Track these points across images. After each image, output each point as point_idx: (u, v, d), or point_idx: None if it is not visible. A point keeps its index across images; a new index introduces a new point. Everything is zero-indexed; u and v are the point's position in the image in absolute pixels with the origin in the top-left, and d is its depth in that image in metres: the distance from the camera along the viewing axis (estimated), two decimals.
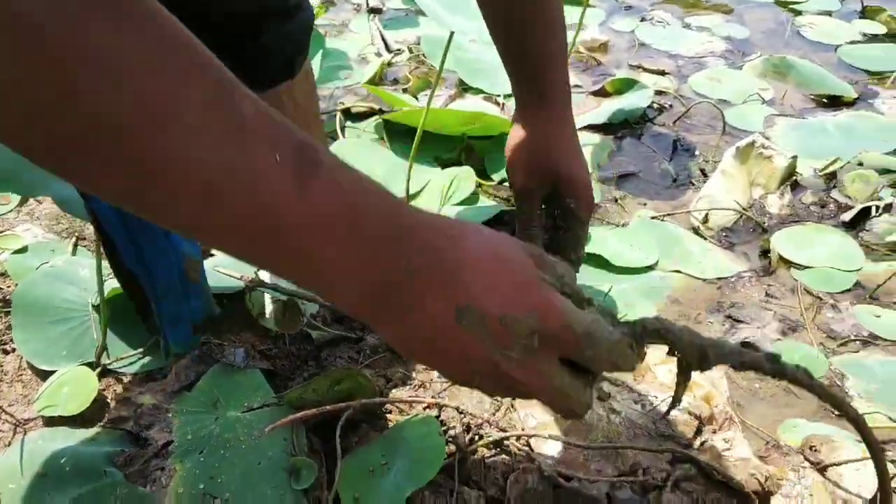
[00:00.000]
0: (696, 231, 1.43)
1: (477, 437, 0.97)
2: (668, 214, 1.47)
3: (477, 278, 0.52)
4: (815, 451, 0.99)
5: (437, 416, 1.00)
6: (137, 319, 1.04)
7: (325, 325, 1.11)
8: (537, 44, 0.90)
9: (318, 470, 0.91)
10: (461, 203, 1.40)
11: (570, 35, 2.05)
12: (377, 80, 1.86)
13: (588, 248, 1.31)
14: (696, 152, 1.67)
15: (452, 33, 1.22)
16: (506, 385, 0.55)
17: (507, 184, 1.38)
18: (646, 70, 2.01)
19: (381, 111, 1.71)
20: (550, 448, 0.97)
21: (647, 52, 2.13)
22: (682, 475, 0.95)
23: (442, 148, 1.55)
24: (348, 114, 1.71)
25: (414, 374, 1.07)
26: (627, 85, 1.85)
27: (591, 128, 1.72)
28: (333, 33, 2.10)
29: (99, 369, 1.02)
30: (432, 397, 1.03)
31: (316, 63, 1.76)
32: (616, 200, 1.50)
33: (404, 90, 1.82)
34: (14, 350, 1.06)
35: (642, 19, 2.30)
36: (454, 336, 0.51)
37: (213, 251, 1.26)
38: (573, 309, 0.55)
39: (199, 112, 0.40)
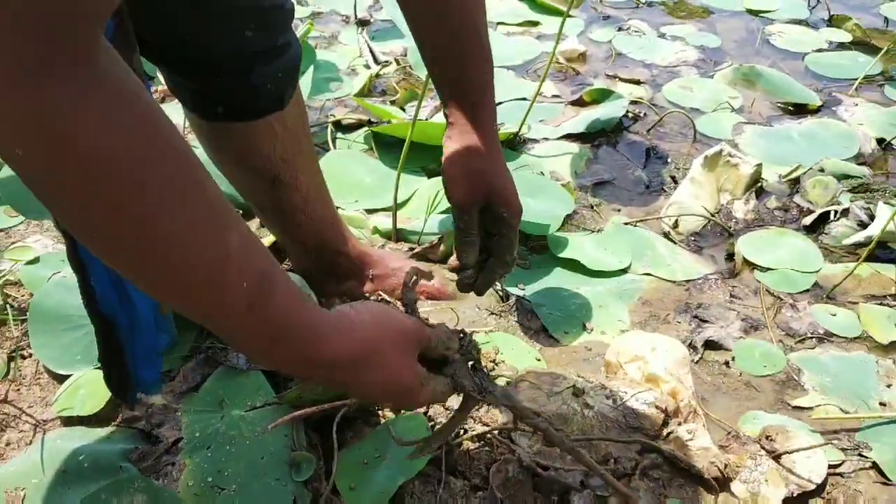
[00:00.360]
0: (666, 236, 1.52)
1: (462, 432, 1.05)
2: (641, 220, 1.56)
3: (376, 392, 0.71)
4: (771, 440, 1.08)
5: (425, 413, 1.09)
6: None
7: None
8: (463, 72, 0.96)
9: (317, 463, 1.00)
10: (446, 211, 1.48)
11: (549, 46, 2.14)
12: (366, 92, 1.94)
13: (564, 253, 1.41)
14: (669, 160, 1.77)
15: None
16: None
17: None
18: (622, 80, 2.10)
19: (370, 122, 1.79)
20: (529, 441, 1.05)
21: (624, 61, 2.22)
22: (650, 464, 1.05)
23: (429, 158, 1.63)
24: (339, 125, 1.79)
25: None
26: (604, 95, 1.94)
27: (570, 137, 1.80)
28: (324, 45, 2.18)
29: None
30: None
31: (308, 76, 1.83)
32: (592, 207, 1.59)
33: (392, 102, 1.90)
34: (31, 355, 1.14)
35: (619, 29, 2.38)
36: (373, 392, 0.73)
37: None
38: (431, 393, 0.76)
39: (202, 246, 0.54)
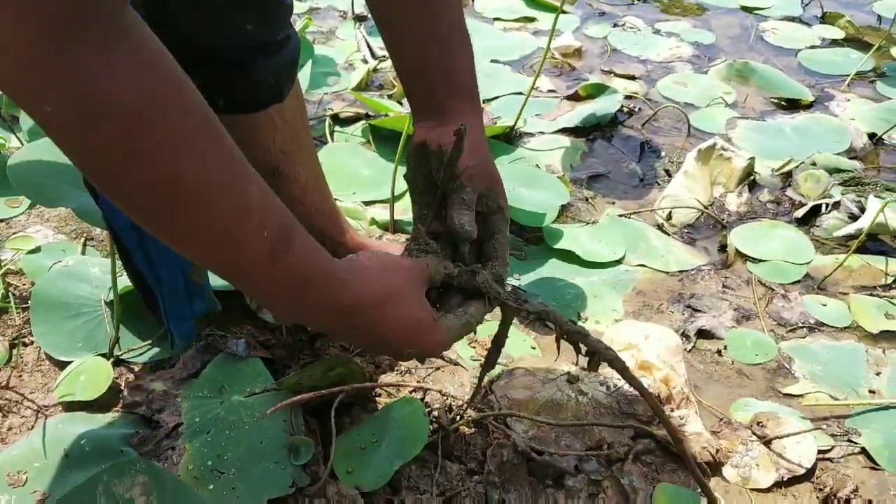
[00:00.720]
0: (660, 228, 1.54)
1: (458, 417, 1.07)
2: (635, 212, 1.58)
3: (393, 335, 0.74)
4: (762, 426, 1.10)
5: (422, 399, 1.10)
6: (147, 313, 1.13)
7: None
8: (461, 64, 0.93)
9: (315, 448, 1.01)
10: None
11: (545, 41, 2.15)
12: (363, 86, 1.95)
13: (560, 244, 1.43)
14: (663, 154, 1.79)
15: None
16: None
17: None
18: (617, 75, 2.12)
19: (367, 116, 1.80)
20: (524, 426, 1.07)
21: (619, 57, 2.24)
22: (643, 449, 1.06)
23: None
24: (336, 119, 1.80)
25: (400, 362, 1.17)
26: (599, 90, 1.96)
27: (565, 131, 1.82)
28: (322, 40, 2.20)
29: (112, 359, 1.11)
30: (417, 382, 1.14)
31: (306, 70, 1.85)
32: (587, 199, 1.61)
33: (389, 96, 1.92)
34: (33, 342, 1.15)
35: (615, 25, 2.40)
36: (372, 347, 0.83)
37: None
38: (446, 330, 0.80)
39: (224, 195, 0.58)
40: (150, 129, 0.51)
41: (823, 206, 1.56)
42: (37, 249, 1.29)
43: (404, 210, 1.50)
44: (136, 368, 1.13)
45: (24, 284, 1.25)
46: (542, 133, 1.81)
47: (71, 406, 1.07)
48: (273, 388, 1.08)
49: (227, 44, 0.96)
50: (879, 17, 2.53)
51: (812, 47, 2.31)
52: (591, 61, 2.21)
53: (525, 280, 1.36)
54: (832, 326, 1.32)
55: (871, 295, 1.38)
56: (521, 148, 1.74)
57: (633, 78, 2.10)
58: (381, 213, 1.48)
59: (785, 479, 1.05)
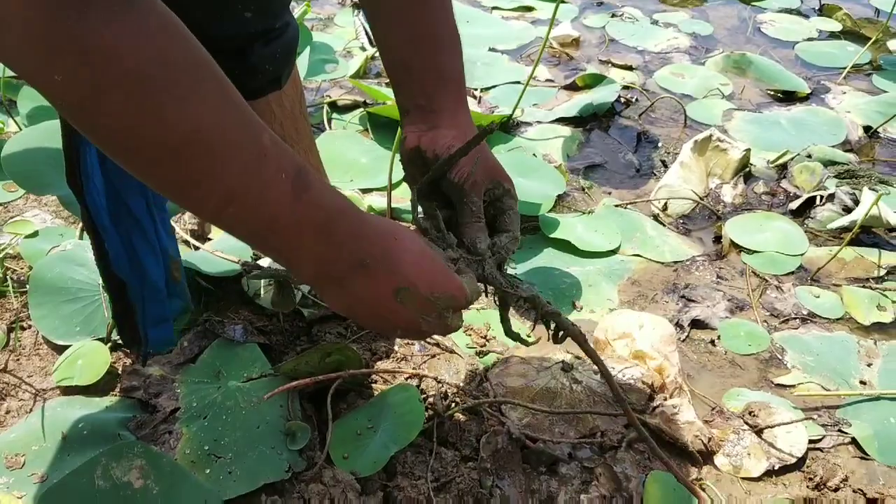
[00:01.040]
0: (655, 218, 1.55)
1: (453, 404, 1.08)
2: (631, 202, 1.59)
3: (413, 270, 0.72)
4: (754, 415, 1.11)
5: (418, 386, 1.11)
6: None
7: (316, 303, 1.21)
8: (450, 57, 0.92)
9: (311, 433, 1.02)
10: None
11: (543, 31, 2.16)
12: (361, 74, 1.95)
13: (555, 234, 1.43)
14: (659, 144, 1.79)
15: None
16: (418, 333, 0.81)
17: None
18: (615, 65, 2.12)
19: (365, 104, 1.81)
20: (519, 414, 1.08)
21: (617, 47, 2.24)
22: (636, 437, 1.07)
23: None
24: (334, 106, 1.81)
25: (396, 348, 1.18)
26: (597, 80, 1.96)
27: (562, 121, 1.82)
28: (320, 27, 2.20)
29: (110, 344, 1.12)
30: (413, 369, 1.14)
31: (304, 57, 1.85)
32: (583, 189, 1.61)
33: (387, 83, 1.92)
34: (30, 327, 1.16)
35: (613, 15, 2.41)
36: (392, 307, 0.73)
37: (210, 235, 1.36)
38: (468, 284, 0.80)
39: (240, 144, 0.59)
40: (162, 86, 0.52)
41: (818, 199, 1.57)
42: (35, 234, 1.29)
43: (401, 198, 1.50)
44: (133, 355, 1.13)
45: (21, 268, 1.25)
46: (539, 122, 1.81)
47: (69, 390, 1.08)
48: (270, 373, 1.09)
49: (226, 30, 0.96)
50: (877, 10, 2.54)
51: (809, 40, 2.32)
52: (588, 51, 2.21)
53: (521, 269, 1.37)
54: (825, 318, 1.33)
55: (863, 287, 1.39)
56: (518, 137, 1.74)
57: (630, 68, 2.11)
58: (379, 200, 1.48)
59: (776, 468, 1.06)
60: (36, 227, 1.31)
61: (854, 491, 1.02)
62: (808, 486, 1.04)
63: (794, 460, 1.06)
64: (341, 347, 1.09)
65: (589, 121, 1.85)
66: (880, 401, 1.16)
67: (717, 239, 1.50)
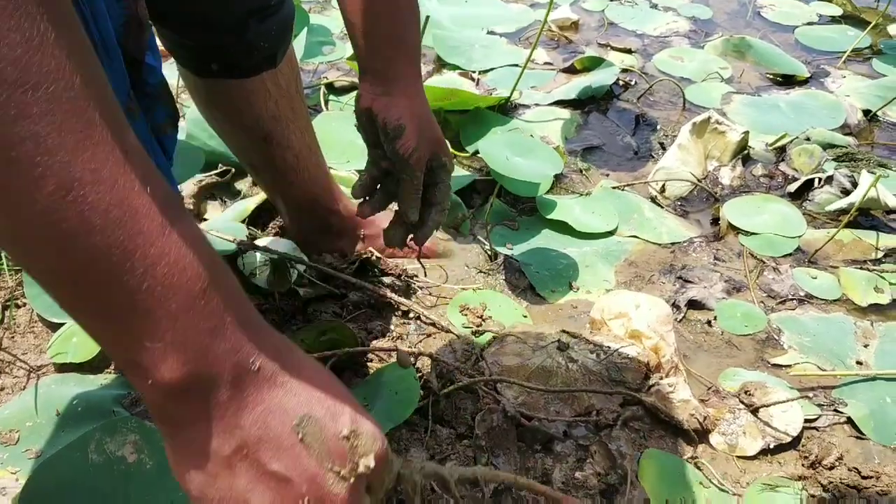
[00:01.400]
0: (653, 200, 1.55)
1: (448, 383, 1.08)
2: (629, 184, 1.58)
3: (324, 399, 0.50)
4: (750, 395, 1.11)
5: (413, 364, 1.11)
6: None
7: (311, 283, 1.21)
8: (407, 29, 0.94)
9: None
10: None
11: (542, 14, 2.14)
12: None
13: (553, 215, 1.43)
14: (657, 127, 1.79)
15: (428, 17, 1.31)
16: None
17: (480, 155, 1.48)
18: (613, 48, 2.11)
19: None
20: (514, 392, 1.08)
21: (616, 30, 2.23)
22: (631, 415, 1.08)
23: None
24: (331, 88, 1.80)
25: (392, 327, 1.18)
26: (595, 63, 1.95)
27: (560, 103, 1.82)
28: (317, 9, 2.18)
29: None
30: (409, 347, 1.14)
31: (301, 39, 1.83)
32: (581, 171, 1.61)
33: None
34: (25, 304, 1.15)
35: None
36: (290, 442, 0.48)
37: (206, 216, 1.35)
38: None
39: (88, 137, 0.40)
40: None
41: (816, 181, 1.56)
42: None
43: None
44: None
45: None
46: (537, 105, 1.80)
47: (63, 367, 1.08)
48: None
49: (222, 6, 0.96)
50: None
51: (809, 24, 2.31)
52: (587, 34, 2.20)
53: (517, 250, 1.37)
54: (822, 299, 1.33)
55: (861, 268, 1.39)
56: (516, 119, 1.73)
57: (629, 52, 2.10)
58: None
59: (771, 447, 1.06)
60: None
61: (849, 470, 1.02)
62: (803, 465, 1.04)
63: (789, 439, 1.06)
64: (337, 326, 1.09)
65: (587, 103, 1.85)
66: (876, 381, 1.16)
67: (715, 221, 1.50)
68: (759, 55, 2.08)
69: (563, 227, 1.42)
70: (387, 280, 1.26)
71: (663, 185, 1.56)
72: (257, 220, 1.37)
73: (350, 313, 1.19)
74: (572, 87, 1.86)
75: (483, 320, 1.21)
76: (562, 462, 1.00)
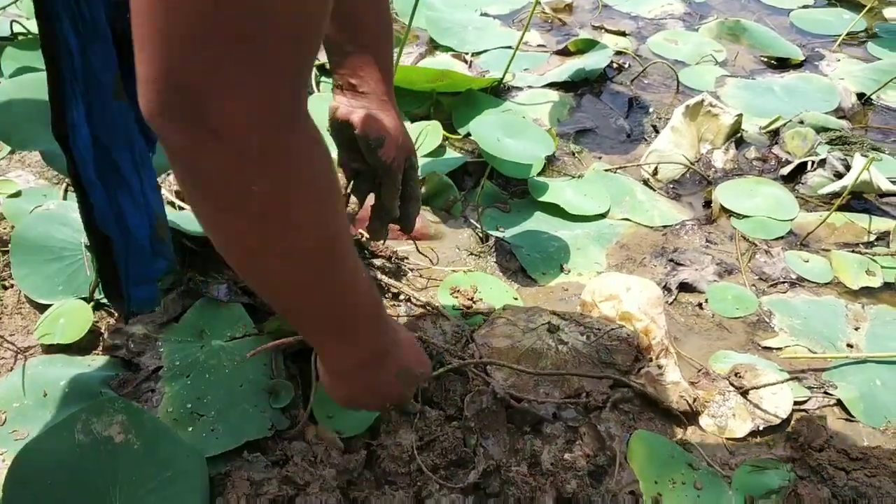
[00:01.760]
0: (645, 183, 1.54)
1: (438, 364, 1.07)
2: (621, 167, 1.57)
3: (408, 357, 0.87)
4: (740, 377, 1.11)
5: None
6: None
7: None
8: (386, 43, 1.02)
9: (295, 391, 1.01)
10: (429, 155, 1.49)
11: None
12: None
13: (545, 197, 1.42)
14: (651, 110, 1.78)
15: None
16: (401, 400, 0.94)
17: (472, 137, 1.47)
18: (607, 31, 2.10)
19: None
20: (504, 374, 1.08)
21: (610, 13, 2.22)
22: (621, 397, 1.07)
23: (412, 103, 1.63)
24: (323, 69, 1.78)
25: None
26: (589, 45, 1.94)
27: (553, 85, 1.81)
28: None
29: (93, 303, 1.11)
30: None
31: None
32: (573, 154, 1.60)
33: None
34: (13, 286, 1.14)
35: None
36: (392, 384, 0.86)
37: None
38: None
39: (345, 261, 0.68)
40: (326, 197, 0.60)
41: (809, 164, 1.56)
42: (17, 193, 1.28)
43: None
44: (117, 312, 1.12)
45: (4, 228, 1.24)
46: (530, 87, 1.79)
47: (50, 348, 1.07)
48: (254, 332, 1.08)
49: None
50: None
51: (804, 7, 2.30)
52: (581, 17, 2.19)
53: (509, 233, 1.36)
54: (813, 282, 1.32)
55: (853, 252, 1.38)
56: (508, 101, 1.72)
57: (623, 34, 2.08)
58: None
59: (760, 429, 1.06)
60: (19, 186, 1.30)
61: (838, 452, 1.02)
62: (792, 447, 1.04)
63: (778, 421, 1.07)
64: None
65: (580, 86, 1.84)
66: (867, 364, 1.16)
67: (707, 204, 1.50)
68: (754, 38, 2.07)
69: (554, 210, 1.42)
70: (377, 262, 1.25)
71: (656, 168, 1.55)
72: None
73: None
74: (565, 69, 1.85)
75: (473, 302, 1.21)
76: (551, 444, 1.00)
